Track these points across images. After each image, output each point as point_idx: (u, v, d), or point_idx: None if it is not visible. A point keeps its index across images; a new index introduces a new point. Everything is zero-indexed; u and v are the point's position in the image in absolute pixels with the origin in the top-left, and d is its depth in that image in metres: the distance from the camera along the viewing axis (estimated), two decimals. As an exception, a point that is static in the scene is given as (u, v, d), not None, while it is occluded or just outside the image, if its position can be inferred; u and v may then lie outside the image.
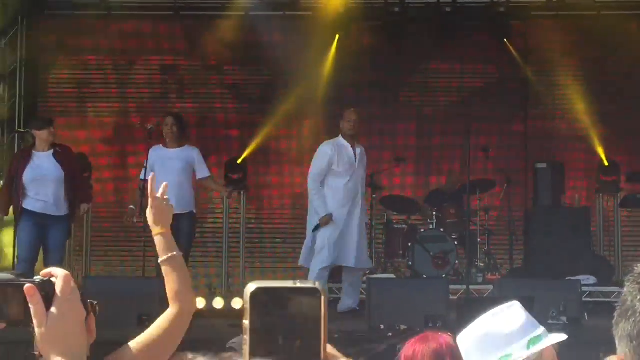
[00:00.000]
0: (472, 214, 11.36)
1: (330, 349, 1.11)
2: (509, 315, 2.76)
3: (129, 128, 13.06)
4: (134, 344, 2.66)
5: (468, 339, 2.75)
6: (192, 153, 9.94)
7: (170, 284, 2.94)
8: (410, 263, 11.03)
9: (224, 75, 13.30)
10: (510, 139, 12.92)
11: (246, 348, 1.10)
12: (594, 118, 12.18)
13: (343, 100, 12.96)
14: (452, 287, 9.61)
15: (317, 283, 1.11)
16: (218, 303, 9.19)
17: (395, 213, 11.92)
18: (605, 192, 12.05)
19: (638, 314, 1.38)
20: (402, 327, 8.10)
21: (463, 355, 2.77)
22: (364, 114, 13.17)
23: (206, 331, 8.24)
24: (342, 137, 9.88)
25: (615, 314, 1.43)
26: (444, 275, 10.70)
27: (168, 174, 9.48)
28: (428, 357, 3.08)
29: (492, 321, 2.75)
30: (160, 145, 9.88)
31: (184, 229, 9.49)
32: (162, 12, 12.91)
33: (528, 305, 7.52)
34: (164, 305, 8.48)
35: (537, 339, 2.69)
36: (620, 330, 1.40)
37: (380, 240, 11.66)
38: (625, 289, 1.43)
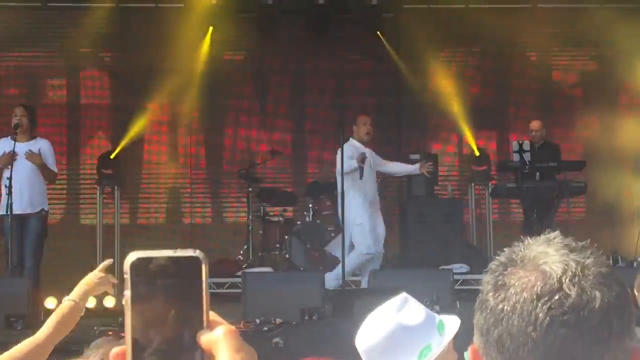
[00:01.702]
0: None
1: (213, 315, 1.09)
2: (412, 307, 2.67)
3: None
4: None
5: (375, 339, 2.59)
6: (42, 146, 9.50)
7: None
8: (287, 256, 11.02)
9: (98, 67, 13.03)
10: (383, 130, 13.06)
11: (127, 319, 1.07)
12: (464, 109, 12.42)
13: (217, 92, 12.89)
14: (328, 278, 9.64)
15: (197, 251, 1.08)
16: (90, 302, 8.92)
17: (271, 205, 11.87)
18: (476, 181, 12.32)
19: (489, 310, 1.34)
20: (278, 320, 8.07)
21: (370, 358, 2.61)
22: (238, 107, 13.18)
23: (76, 331, 8.06)
24: (357, 140, 10.00)
25: (477, 300, 1.38)
26: (320, 267, 10.73)
27: (19, 170, 9.14)
28: None
29: (400, 317, 2.63)
30: (9, 137, 9.41)
31: (34, 228, 9.20)
32: (29, 2, 12.54)
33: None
34: (34, 306, 8.17)
35: (441, 323, 2.64)
36: (476, 319, 1.37)
37: (257, 234, 11.60)
38: (484, 278, 1.39)
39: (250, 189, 11.65)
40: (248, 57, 13.14)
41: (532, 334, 1.29)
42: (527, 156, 10.69)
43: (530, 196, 10.80)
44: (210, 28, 12.41)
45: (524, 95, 13.30)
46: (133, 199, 12.89)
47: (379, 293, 8.08)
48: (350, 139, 10.06)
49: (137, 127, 12.27)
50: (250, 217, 11.57)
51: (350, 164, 9.82)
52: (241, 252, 11.53)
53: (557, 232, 1.38)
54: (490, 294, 1.35)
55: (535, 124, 11.37)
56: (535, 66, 13.38)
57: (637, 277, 3.67)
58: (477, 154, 12.23)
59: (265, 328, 7.88)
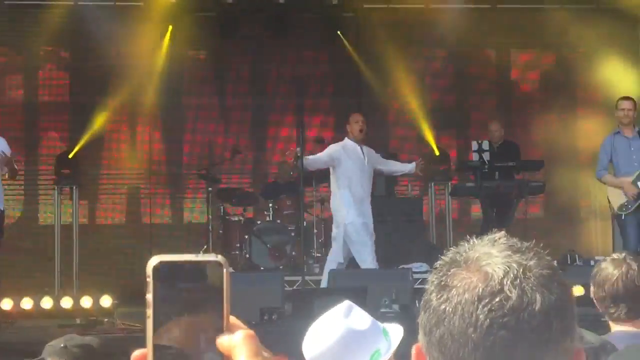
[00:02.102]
0: (308, 205, 11.41)
1: (233, 319, 1.11)
2: (358, 313, 2.67)
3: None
4: None
5: (326, 345, 2.58)
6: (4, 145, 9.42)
7: None
8: (247, 255, 10.99)
9: (56, 65, 12.91)
10: (343, 130, 13.04)
11: (149, 322, 1.09)
12: (424, 108, 12.47)
13: (177, 92, 12.83)
14: (288, 278, 9.63)
15: (219, 256, 1.11)
16: (46, 302, 8.81)
17: (231, 206, 11.83)
18: (436, 181, 12.35)
19: (432, 310, 1.33)
20: (237, 320, 8.03)
21: None
22: (197, 106, 13.12)
23: (33, 332, 7.95)
24: (351, 140, 9.78)
25: (422, 299, 1.37)
26: (281, 267, 10.71)
27: None
28: None
29: (349, 321, 2.62)
30: None
31: None
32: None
33: (361, 295, 7.59)
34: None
35: (385, 330, 2.65)
36: (420, 319, 1.36)
37: (217, 234, 11.55)
38: (429, 278, 1.38)
39: (210, 189, 11.59)
40: (208, 56, 13.09)
41: (473, 335, 1.28)
42: (486, 156, 10.74)
43: (490, 195, 10.85)
44: (170, 27, 12.35)
45: (484, 95, 13.38)
46: (92, 199, 12.78)
47: (339, 293, 8.10)
48: (345, 138, 9.92)
49: (96, 126, 12.18)
50: (210, 216, 11.52)
51: (310, 161, 9.73)
52: (201, 252, 11.45)
53: (502, 233, 1.37)
54: (434, 294, 1.34)
55: (493, 124, 11.44)
56: (495, 66, 13.47)
57: (595, 272, 3.63)
58: (437, 153, 12.28)
59: (224, 328, 7.84)
